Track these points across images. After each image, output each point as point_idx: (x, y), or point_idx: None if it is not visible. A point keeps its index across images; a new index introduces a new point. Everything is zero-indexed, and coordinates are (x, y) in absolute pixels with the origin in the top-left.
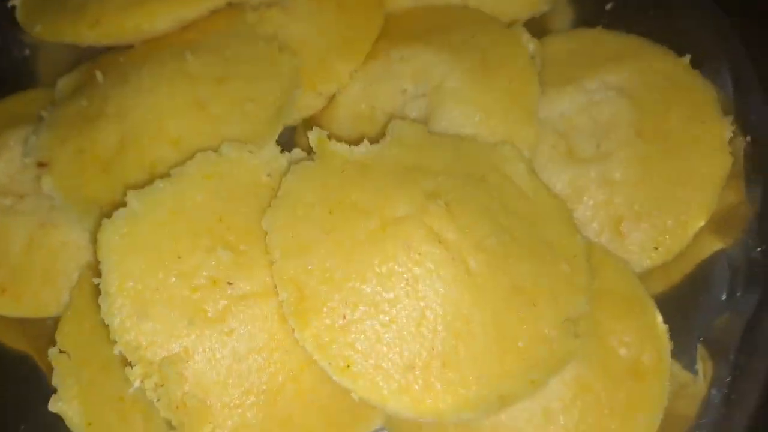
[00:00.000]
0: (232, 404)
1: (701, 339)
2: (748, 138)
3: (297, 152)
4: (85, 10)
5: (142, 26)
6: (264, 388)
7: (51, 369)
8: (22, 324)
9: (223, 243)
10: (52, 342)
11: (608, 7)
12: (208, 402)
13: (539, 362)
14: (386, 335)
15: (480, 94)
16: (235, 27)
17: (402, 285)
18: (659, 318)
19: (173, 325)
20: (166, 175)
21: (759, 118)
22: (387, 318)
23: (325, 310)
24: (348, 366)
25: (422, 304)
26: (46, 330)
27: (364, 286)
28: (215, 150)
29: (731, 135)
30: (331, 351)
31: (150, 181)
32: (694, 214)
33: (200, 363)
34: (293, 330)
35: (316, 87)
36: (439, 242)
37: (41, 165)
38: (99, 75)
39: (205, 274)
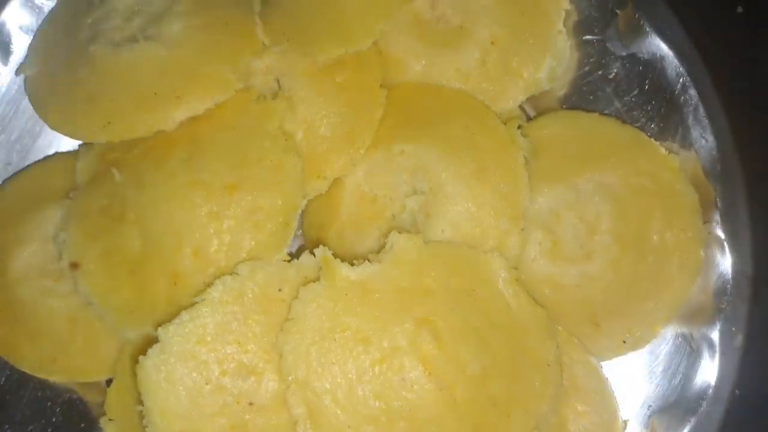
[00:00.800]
0: None
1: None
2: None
3: (304, 261)
4: (95, 107)
5: (152, 127)
6: None
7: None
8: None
9: (241, 365)
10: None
11: (610, 76)
12: None
13: None
14: None
15: (473, 200)
16: (241, 120)
17: (397, 408)
18: (619, 414)
19: None
20: (188, 304)
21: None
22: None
23: (334, 424)
24: None
25: (415, 424)
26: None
27: (366, 410)
28: (231, 267)
29: (708, 242)
30: None
31: (174, 290)
32: (660, 316)
33: None
34: None
35: (321, 173)
36: (429, 374)
37: (74, 266)
38: (116, 174)
39: (230, 395)
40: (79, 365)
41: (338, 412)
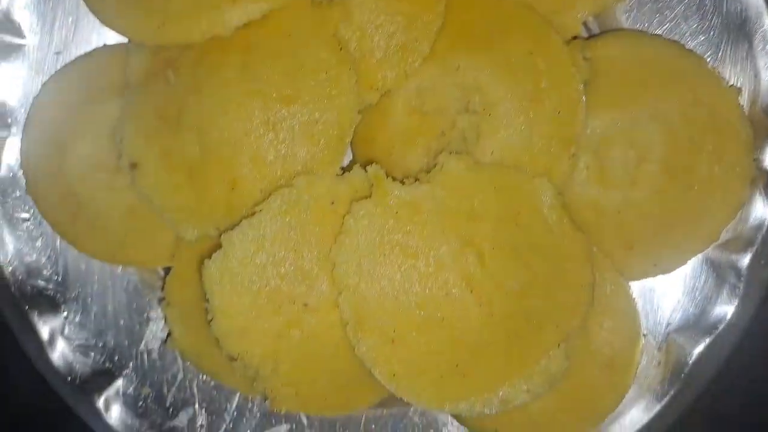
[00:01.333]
0: (309, 382)
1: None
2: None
3: (356, 174)
4: (150, 7)
5: (208, 32)
6: (332, 371)
7: (154, 296)
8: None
9: (297, 270)
10: (156, 276)
11: None
12: (293, 384)
13: (536, 377)
14: (423, 354)
15: (528, 124)
16: (298, 26)
17: (438, 318)
18: (641, 332)
19: (265, 338)
20: (249, 213)
21: None
22: (425, 341)
23: (377, 333)
24: (393, 375)
25: (453, 334)
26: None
27: (409, 317)
28: (289, 172)
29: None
30: (380, 363)
31: (232, 195)
32: (695, 246)
33: (286, 361)
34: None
35: (373, 85)
36: (471, 291)
37: (133, 166)
38: (171, 76)
39: (286, 297)
40: (137, 254)
41: (384, 317)
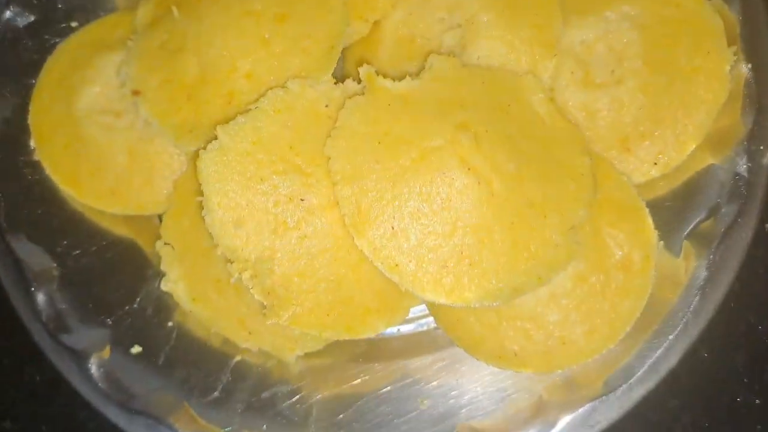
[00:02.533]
0: (308, 290)
1: (688, 238)
2: (749, 66)
3: (348, 83)
4: None
5: None
6: (332, 278)
7: (153, 254)
8: (130, 219)
9: (294, 167)
10: (155, 233)
11: None
12: (291, 289)
13: (546, 263)
14: (425, 242)
15: (508, 28)
16: None
17: (438, 202)
18: (650, 223)
19: (261, 232)
20: (245, 110)
21: (761, 52)
22: (426, 229)
23: (377, 222)
24: (396, 265)
25: (454, 217)
26: (148, 223)
27: (408, 204)
28: (282, 85)
29: (732, 64)
30: (383, 254)
31: (229, 108)
32: (690, 135)
33: (284, 260)
34: (352, 237)
35: (362, 15)
36: (468, 169)
37: (135, 93)
38: (175, 10)
39: (282, 192)
40: (136, 197)
41: (382, 206)
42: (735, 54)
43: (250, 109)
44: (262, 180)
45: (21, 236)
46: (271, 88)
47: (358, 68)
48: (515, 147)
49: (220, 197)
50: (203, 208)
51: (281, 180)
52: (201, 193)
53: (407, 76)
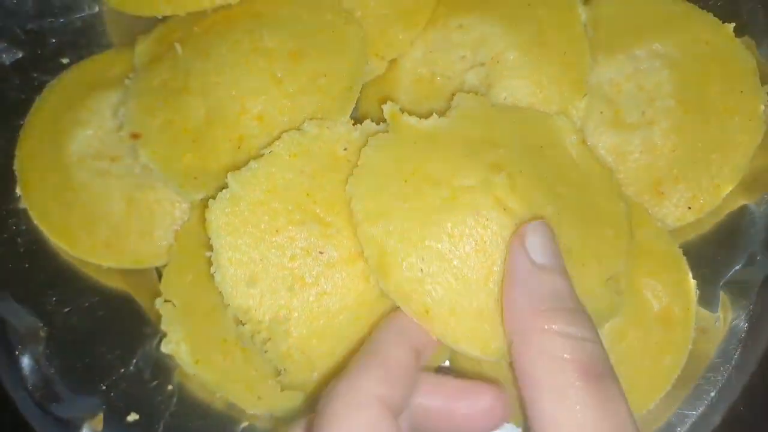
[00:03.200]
0: (327, 353)
1: (724, 288)
2: None
3: (368, 124)
4: None
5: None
6: (353, 339)
7: (150, 309)
8: (125, 272)
9: (311, 216)
10: (152, 287)
11: None
12: (309, 353)
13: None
14: (458, 287)
15: (536, 67)
16: None
17: (471, 245)
18: (689, 274)
19: (276, 291)
20: (257, 155)
21: None
22: (458, 272)
23: (404, 265)
24: (427, 311)
25: (489, 260)
26: (145, 276)
27: (438, 245)
28: (297, 127)
29: (767, 103)
30: (412, 299)
31: (239, 153)
32: (726, 178)
33: (301, 320)
34: (378, 282)
35: (379, 53)
36: (504, 209)
37: (134, 136)
38: (178, 47)
39: (299, 245)
40: (133, 250)
41: (410, 246)
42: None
43: (263, 154)
44: (277, 232)
45: (5, 293)
46: (284, 131)
47: (382, 105)
48: (551, 190)
49: (232, 252)
50: (211, 264)
51: (298, 231)
52: (208, 246)
53: (433, 114)
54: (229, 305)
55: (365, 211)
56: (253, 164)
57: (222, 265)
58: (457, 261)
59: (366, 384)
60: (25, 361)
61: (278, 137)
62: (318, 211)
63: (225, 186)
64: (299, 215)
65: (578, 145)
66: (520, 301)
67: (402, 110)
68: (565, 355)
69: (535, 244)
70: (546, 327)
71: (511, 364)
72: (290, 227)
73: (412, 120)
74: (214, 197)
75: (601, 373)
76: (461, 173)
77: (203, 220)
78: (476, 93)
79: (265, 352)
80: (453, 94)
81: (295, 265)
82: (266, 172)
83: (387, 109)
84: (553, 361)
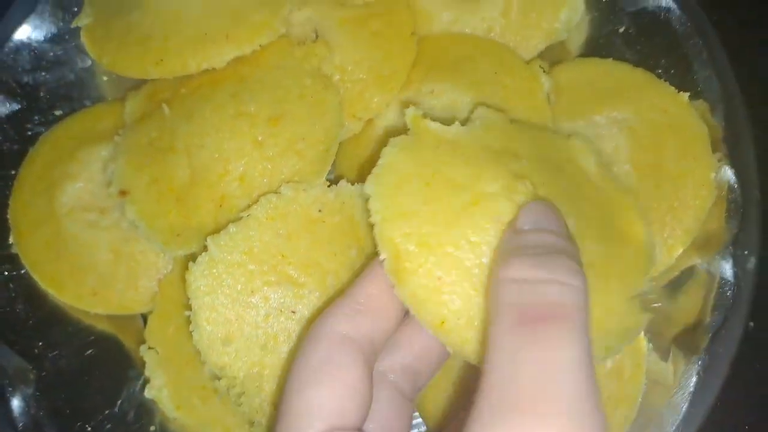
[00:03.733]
0: None
1: (675, 342)
2: (733, 171)
3: (343, 184)
4: (148, 46)
5: (203, 64)
6: None
7: (135, 351)
8: (111, 317)
9: (285, 277)
10: (137, 330)
11: (620, 30)
12: None
13: (612, 331)
14: (476, 298)
15: None
16: (284, 60)
17: (492, 254)
18: (641, 334)
19: (250, 349)
20: (236, 218)
21: (743, 158)
22: (477, 282)
23: (421, 271)
24: (442, 322)
25: None
26: (130, 321)
27: (458, 253)
28: (275, 189)
29: (717, 170)
30: (427, 308)
31: (220, 212)
32: (678, 239)
33: (273, 377)
34: (393, 287)
35: (355, 114)
36: None
37: (122, 193)
38: (165, 108)
39: (273, 305)
40: (119, 297)
41: (428, 251)
42: (719, 160)
43: (242, 217)
44: (252, 293)
45: None
46: (263, 193)
47: (404, 110)
48: (573, 203)
49: (209, 312)
50: (190, 322)
51: (272, 291)
52: (187, 302)
53: (456, 122)
54: (205, 362)
55: (383, 211)
56: (231, 228)
57: (200, 325)
58: (476, 269)
59: (331, 320)
60: (15, 403)
61: (257, 200)
62: (291, 272)
63: (205, 248)
64: (274, 276)
65: (597, 166)
66: (495, 268)
67: (425, 116)
68: (508, 302)
69: (527, 218)
70: (501, 276)
71: None
72: (265, 288)
73: (434, 125)
74: (195, 254)
75: (539, 316)
76: (484, 179)
77: (184, 274)
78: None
79: (240, 405)
80: None
81: (268, 324)
82: (244, 235)
83: (409, 113)
84: (497, 311)
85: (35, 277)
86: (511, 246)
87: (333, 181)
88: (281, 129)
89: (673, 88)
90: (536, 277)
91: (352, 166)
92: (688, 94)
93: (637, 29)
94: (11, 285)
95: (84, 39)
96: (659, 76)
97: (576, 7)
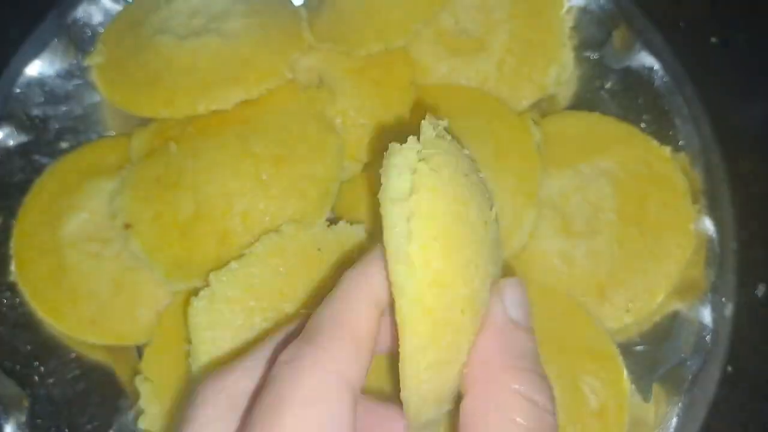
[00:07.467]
0: None
1: (658, 382)
2: (712, 222)
3: (342, 225)
4: (159, 87)
5: (211, 106)
6: None
7: (128, 382)
8: (109, 348)
9: (281, 314)
10: (131, 361)
11: (607, 86)
12: None
13: None
14: None
15: (493, 179)
16: (290, 104)
17: None
18: (624, 373)
19: None
20: (238, 254)
21: (721, 208)
22: None
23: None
24: None
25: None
26: (125, 351)
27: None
28: (277, 227)
29: (696, 221)
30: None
31: (222, 248)
32: (660, 285)
33: None
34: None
35: (355, 157)
36: None
37: (127, 226)
38: (173, 146)
39: None
40: (117, 328)
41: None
42: (699, 211)
43: (244, 254)
44: (250, 328)
45: None
46: (265, 230)
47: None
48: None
49: (208, 346)
50: (189, 356)
51: (269, 328)
52: (187, 335)
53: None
54: None
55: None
56: (233, 264)
57: (198, 360)
58: None
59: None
60: (9, 429)
61: (258, 237)
62: (287, 308)
63: (206, 284)
64: (272, 312)
65: None
66: (491, 350)
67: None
68: (519, 419)
69: (513, 300)
70: (511, 385)
71: (454, 411)
72: (263, 323)
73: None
74: (196, 288)
75: None
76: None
77: (185, 307)
78: None
79: None
80: None
81: None
82: (246, 272)
83: (424, 123)
84: (505, 422)
85: (34, 305)
86: (511, 344)
87: (333, 221)
88: (284, 169)
89: (655, 141)
90: (543, 405)
91: (352, 207)
92: (669, 147)
93: (623, 85)
94: (9, 313)
95: (96, 77)
96: (643, 130)
97: (565, 63)
